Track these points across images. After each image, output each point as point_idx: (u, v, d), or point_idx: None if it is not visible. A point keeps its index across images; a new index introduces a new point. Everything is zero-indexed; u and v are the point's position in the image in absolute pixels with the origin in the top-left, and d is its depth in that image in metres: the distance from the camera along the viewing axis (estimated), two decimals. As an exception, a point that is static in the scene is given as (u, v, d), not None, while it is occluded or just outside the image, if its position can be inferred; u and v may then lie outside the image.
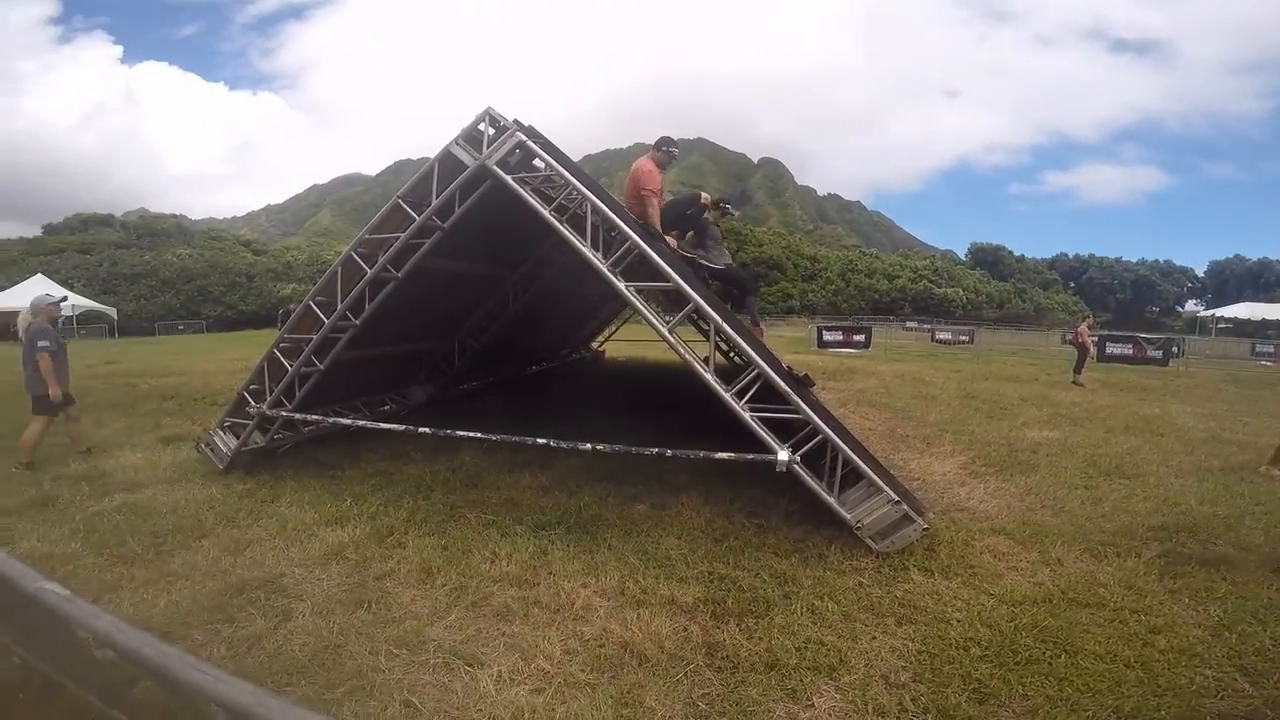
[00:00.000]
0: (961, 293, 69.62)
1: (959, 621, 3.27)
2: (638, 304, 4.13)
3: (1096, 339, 14.22)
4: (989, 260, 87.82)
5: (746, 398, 3.97)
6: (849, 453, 3.90)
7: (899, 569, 3.91)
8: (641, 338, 13.83)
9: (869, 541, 4.07)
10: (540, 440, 4.21)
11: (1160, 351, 18.42)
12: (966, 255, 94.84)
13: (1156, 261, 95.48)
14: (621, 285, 4.16)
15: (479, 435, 4.54)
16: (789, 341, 27.05)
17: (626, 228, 4.10)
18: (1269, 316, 31.11)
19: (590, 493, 5.19)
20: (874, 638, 3.15)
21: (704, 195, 6.30)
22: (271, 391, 5.32)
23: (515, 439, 4.43)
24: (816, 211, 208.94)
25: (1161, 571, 3.83)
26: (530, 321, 9.83)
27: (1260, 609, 3.35)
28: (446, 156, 4.61)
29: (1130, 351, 18.95)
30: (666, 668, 2.88)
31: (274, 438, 5.70)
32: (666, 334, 4.13)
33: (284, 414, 5.34)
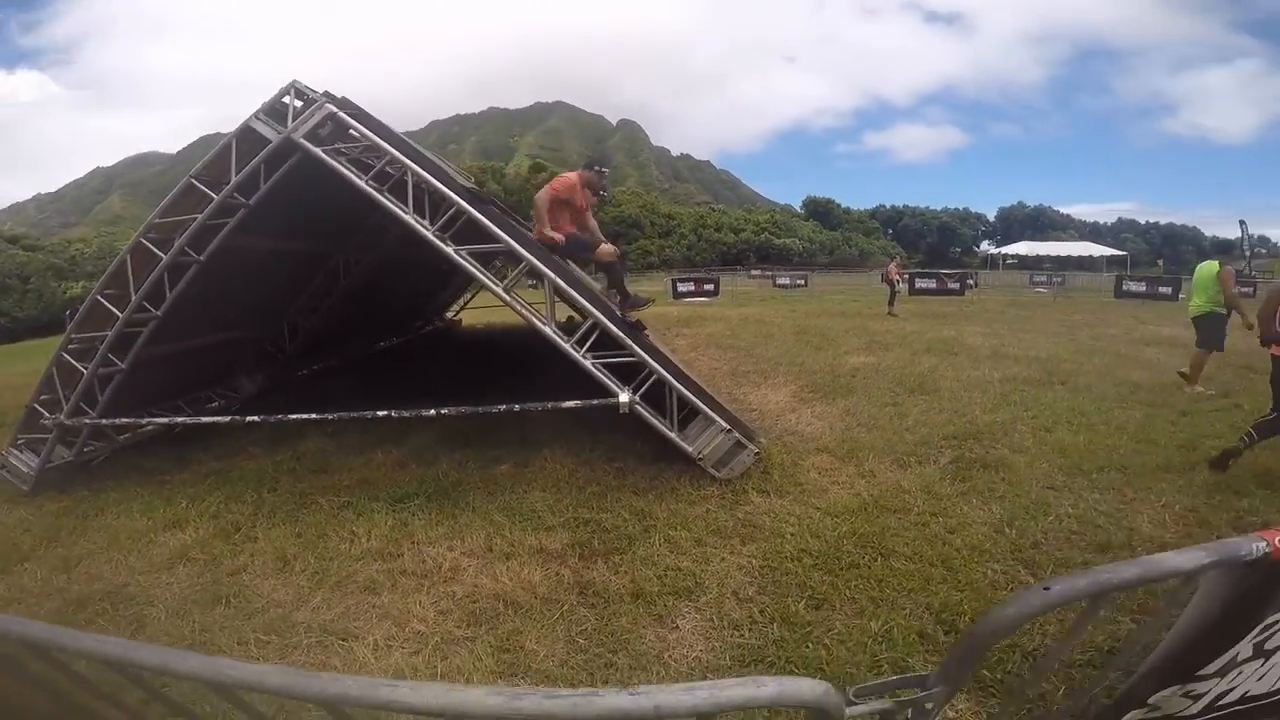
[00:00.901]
0: (797, 242, 75.78)
1: (792, 535, 3.68)
2: (469, 267, 4.12)
3: (905, 276, 16.30)
4: (821, 212, 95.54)
5: (587, 346, 4.15)
6: (681, 389, 4.24)
7: (740, 493, 4.35)
8: (497, 304, 13.58)
9: (711, 470, 4.49)
10: (382, 413, 4.11)
11: (958, 284, 21.53)
12: (801, 208, 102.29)
13: (957, 209, 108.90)
14: (450, 249, 4.13)
15: (315, 416, 4.33)
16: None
17: (451, 192, 4.05)
18: (1043, 252, 37.37)
19: (448, 461, 5.17)
20: (723, 559, 3.49)
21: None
22: (68, 399, 4.69)
23: (355, 415, 4.29)
24: (671, 171, 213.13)
25: (954, 476, 4.44)
26: (372, 296, 9.31)
27: (1031, 505, 3.90)
28: (247, 132, 4.34)
29: (934, 285, 21.92)
30: (541, 611, 3.04)
31: (84, 449, 5.07)
32: (503, 294, 4.18)
33: (88, 422, 4.73)
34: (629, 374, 4.36)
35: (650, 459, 4.88)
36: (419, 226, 4.10)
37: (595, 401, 4.08)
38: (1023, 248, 39.78)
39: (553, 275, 4.01)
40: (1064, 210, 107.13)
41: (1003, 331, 11.87)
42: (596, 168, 5.38)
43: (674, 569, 3.40)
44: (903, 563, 3.33)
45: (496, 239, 4.11)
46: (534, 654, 2.74)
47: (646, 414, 4.36)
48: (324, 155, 4.15)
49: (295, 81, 4.33)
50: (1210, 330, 6.70)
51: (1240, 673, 1.21)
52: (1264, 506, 3.79)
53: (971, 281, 23.42)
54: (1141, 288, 20.68)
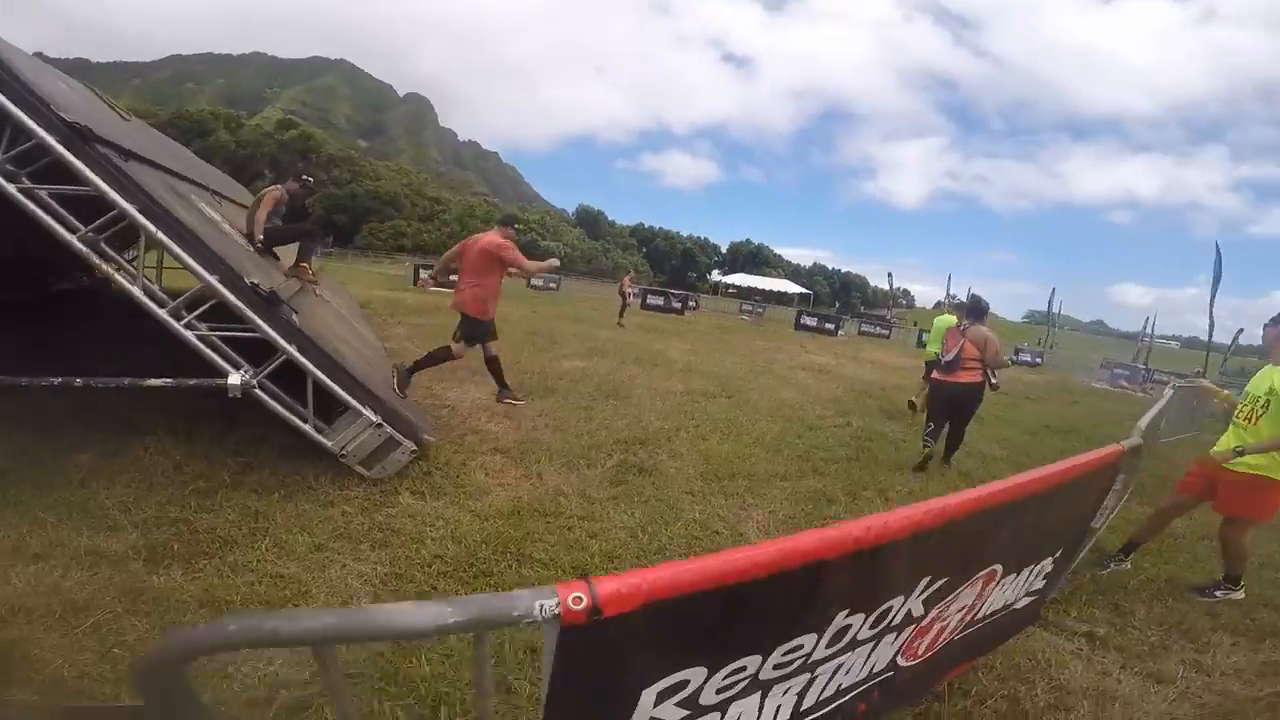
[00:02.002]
0: (561, 246, 77.41)
1: (433, 540, 3.42)
2: (39, 212, 3.08)
3: (637, 291, 17.65)
4: (590, 222, 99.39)
5: (195, 314, 3.40)
6: (319, 375, 3.73)
7: (391, 494, 3.96)
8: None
9: (359, 469, 4.04)
10: None
11: (680, 304, 24.11)
12: (574, 215, 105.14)
13: (699, 238, 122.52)
14: (13, 188, 3.04)
15: None
16: (387, 279, 25.63)
17: (31, 121, 2.99)
18: (754, 285, 43.80)
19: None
20: (344, 565, 3.08)
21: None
22: None
23: None
24: (453, 155, 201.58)
25: (612, 480, 4.58)
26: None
27: (667, 510, 4.14)
28: None
29: (662, 303, 24.18)
30: (65, 619, 2.42)
31: None
32: (79, 246, 3.21)
33: None
34: (266, 354, 3.71)
35: (294, 454, 4.23)
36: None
37: (192, 382, 3.34)
38: (740, 279, 46.58)
39: (153, 229, 3.17)
40: (778, 250, 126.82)
41: (701, 349, 13.39)
42: (513, 226, 6.09)
43: (276, 576, 2.91)
44: (536, 569, 3.27)
45: (85, 181, 3.13)
46: (46, 662, 2.19)
47: (269, 400, 3.75)
48: None
49: None
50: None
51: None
52: (845, 513, 4.58)
53: (692, 303, 26.36)
54: (813, 322, 25.42)
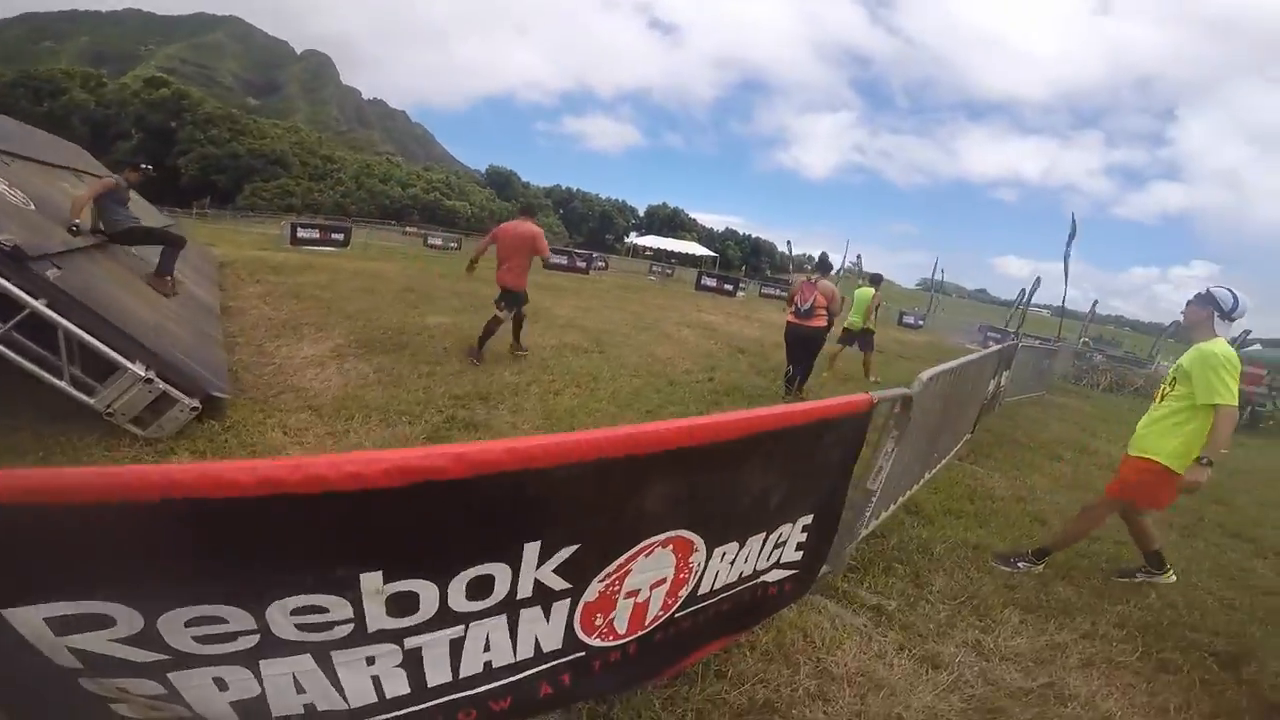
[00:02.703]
0: (468, 206, 74.32)
1: None
2: None
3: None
4: (501, 182, 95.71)
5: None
6: (69, 326, 3.26)
7: (164, 454, 3.58)
8: None
9: (131, 427, 3.60)
10: None
11: (584, 263, 23.67)
12: (484, 175, 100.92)
13: (617, 200, 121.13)
14: None
15: None
16: (263, 238, 23.59)
17: None
18: (665, 247, 43.80)
19: None
20: None
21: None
22: None
23: None
24: (355, 114, 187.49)
25: (429, 437, 4.40)
26: None
27: None
28: None
29: (565, 262, 23.67)
30: None
31: None
32: None
33: None
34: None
35: (61, 416, 3.70)
36: None
37: None
38: (651, 240, 46.52)
39: None
40: (693, 215, 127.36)
41: (594, 306, 13.17)
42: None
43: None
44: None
45: None
46: None
47: (12, 355, 3.24)
48: None
49: None
50: (864, 338, 9.09)
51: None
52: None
53: (600, 263, 25.95)
54: (713, 283, 25.75)
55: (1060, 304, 21.16)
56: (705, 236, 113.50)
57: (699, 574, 1.81)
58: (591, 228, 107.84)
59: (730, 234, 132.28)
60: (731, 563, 1.91)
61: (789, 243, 29.00)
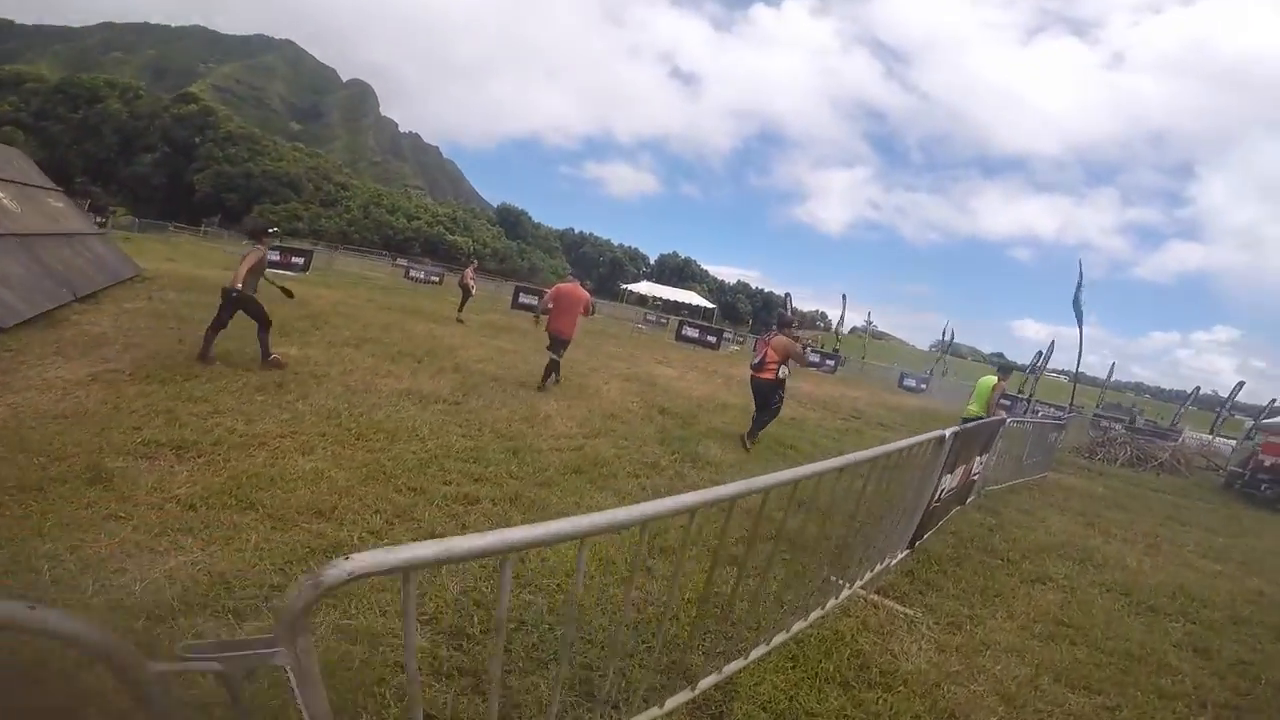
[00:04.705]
0: (471, 242, 74.20)
1: None
2: None
3: (474, 282, 15.86)
4: (511, 221, 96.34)
5: None
6: None
7: None
8: None
9: None
10: None
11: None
12: (496, 214, 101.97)
13: (629, 247, 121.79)
14: None
15: None
16: (226, 258, 22.63)
17: None
18: (657, 294, 42.78)
19: None
20: None
21: None
22: None
23: None
24: (391, 146, 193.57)
25: None
26: None
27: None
28: None
29: (535, 302, 22.38)
30: None
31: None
32: None
33: None
34: None
35: None
36: None
37: None
38: (646, 287, 45.37)
39: None
40: (706, 266, 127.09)
41: (521, 349, 11.70)
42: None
43: None
44: None
45: None
46: None
47: None
48: None
49: None
50: None
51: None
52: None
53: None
54: (695, 334, 24.27)
55: (1074, 368, 18.81)
56: (716, 289, 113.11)
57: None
58: (601, 273, 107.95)
59: (742, 287, 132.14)
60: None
61: (787, 295, 27.79)
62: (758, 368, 7.26)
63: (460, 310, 15.04)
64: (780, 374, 7.18)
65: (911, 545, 4.36)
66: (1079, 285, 17.67)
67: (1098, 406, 21.14)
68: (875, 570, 3.75)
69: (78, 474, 3.33)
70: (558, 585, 2.95)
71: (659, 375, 12.10)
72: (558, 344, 8.15)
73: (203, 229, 46.10)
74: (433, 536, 3.20)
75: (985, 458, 6.12)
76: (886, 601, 3.57)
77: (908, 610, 3.52)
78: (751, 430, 7.30)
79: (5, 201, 8.46)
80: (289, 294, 7.21)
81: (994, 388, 8.08)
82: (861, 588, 3.56)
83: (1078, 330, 17.90)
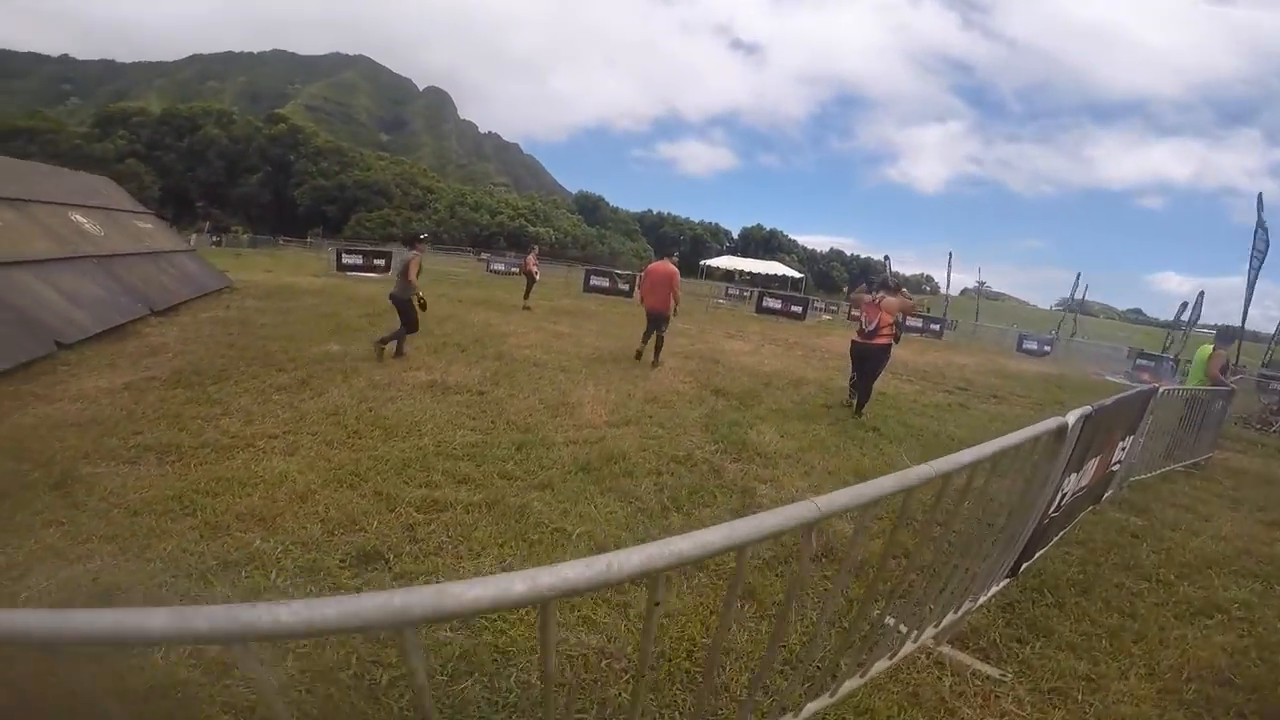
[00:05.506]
0: (552, 232, 75.43)
1: None
2: None
3: (536, 269, 15.59)
4: (590, 208, 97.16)
5: None
6: None
7: None
8: None
9: None
10: None
11: (627, 286, 21.61)
12: (573, 202, 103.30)
13: (710, 223, 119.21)
14: None
15: None
16: (320, 264, 23.91)
17: None
18: (739, 267, 41.24)
19: None
20: None
21: None
22: None
23: None
24: (474, 146, 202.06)
25: None
26: None
27: None
28: None
29: (607, 284, 22.02)
30: None
31: None
32: None
33: None
34: None
35: None
36: None
37: None
38: (725, 261, 43.74)
39: None
40: (794, 237, 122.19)
41: (588, 330, 11.34)
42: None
43: None
44: None
45: None
46: None
47: None
48: None
49: None
50: None
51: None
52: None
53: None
54: (778, 305, 22.95)
55: (1240, 320, 15.41)
56: (806, 259, 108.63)
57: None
58: (682, 252, 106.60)
59: (836, 255, 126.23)
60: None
61: (886, 258, 25.56)
62: (870, 334, 6.84)
63: (526, 297, 14.89)
64: (898, 337, 7.04)
65: (1014, 572, 3.04)
66: (1259, 224, 15.11)
67: (1262, 366, 17.92)
68: (951, 617, 2.52)
69: (47, 481, 3.19)
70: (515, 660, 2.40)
71: (726, 350, 11.30)
72: (653, 321, 8.59)
73: (308, 240, 49.76)
74: (375, 551, 2.74)
75: (1130, 441, 4.56)
76: (961, 656, 2.55)
77: (991, 670, 2.48)
78: (860, 401, 7.04)
79: (86, 226, 9.03)
80: (423, 305, 7.16)
81: (1211, 357, 7.29)
82: (931, 638, 2.49)
83: (1248, 276, 15.28)
